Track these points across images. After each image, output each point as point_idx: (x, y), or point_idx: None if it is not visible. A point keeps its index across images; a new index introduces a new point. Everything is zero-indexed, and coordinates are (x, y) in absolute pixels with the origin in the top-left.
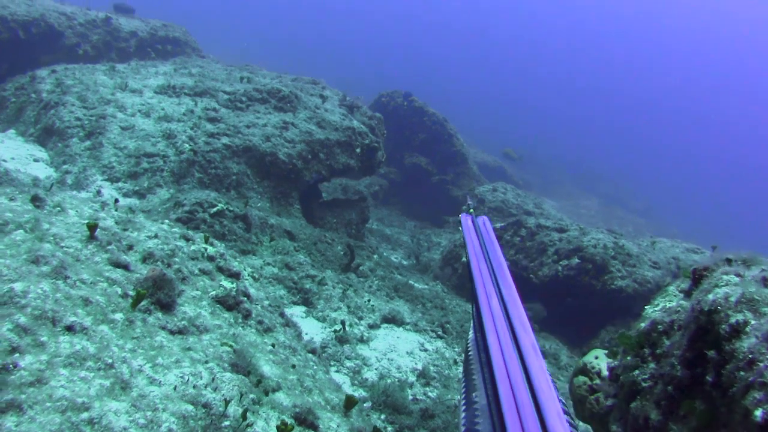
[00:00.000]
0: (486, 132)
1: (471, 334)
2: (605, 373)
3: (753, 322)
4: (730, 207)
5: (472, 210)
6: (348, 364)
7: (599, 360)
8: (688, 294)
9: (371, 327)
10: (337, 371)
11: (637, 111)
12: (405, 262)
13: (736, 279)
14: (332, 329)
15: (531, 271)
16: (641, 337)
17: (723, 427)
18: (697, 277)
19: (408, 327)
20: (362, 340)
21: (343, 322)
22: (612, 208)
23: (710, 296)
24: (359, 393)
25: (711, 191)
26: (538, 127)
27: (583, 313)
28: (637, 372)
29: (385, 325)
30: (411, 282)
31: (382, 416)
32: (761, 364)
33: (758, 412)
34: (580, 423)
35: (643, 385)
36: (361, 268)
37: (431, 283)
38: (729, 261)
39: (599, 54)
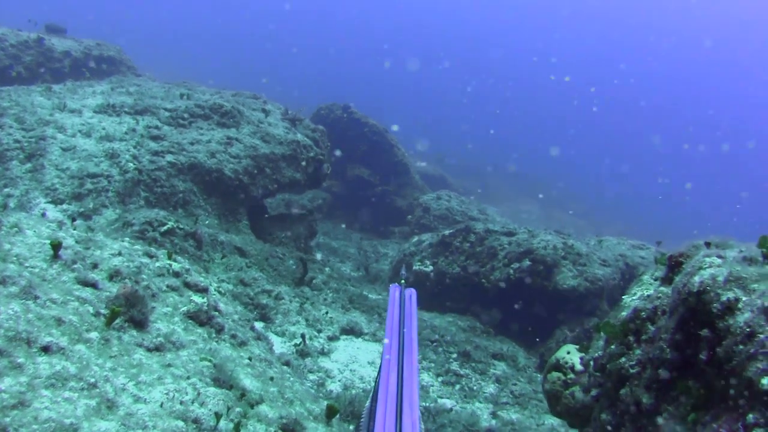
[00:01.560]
0: (428, 142)
1: (367, 403)
2: (579, 367)
3: (744, 298)
4: (662, 203)
5: (403, 281)
6: (311, 377)
7: (571, 355)
8: (665, 281)
9: (331, 339)
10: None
11: (573, 112)
12: (354, 274)
13: (719, 260)
14: (292, 343)
15: (482, 276)
16: (625, 325)
17: (721, 401)
18: (673, 264)
19: (367, 337)
20: (323, 353)
21: (303, 336)
22: (551, 210)
23: (696, 278)
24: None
25: (644, 188)
26: (471, 133)
27: (537, 314)
28: (623, 359)
29: (344, 336)
30: (365, 293)
31: (351, 427)
32: (762, 336)
33: (765, 380)
34: (554, 418)
35: (631, 371)
36: (314, 281)
37: (384, 294)
38: (708, 244)
39: (523, 55)
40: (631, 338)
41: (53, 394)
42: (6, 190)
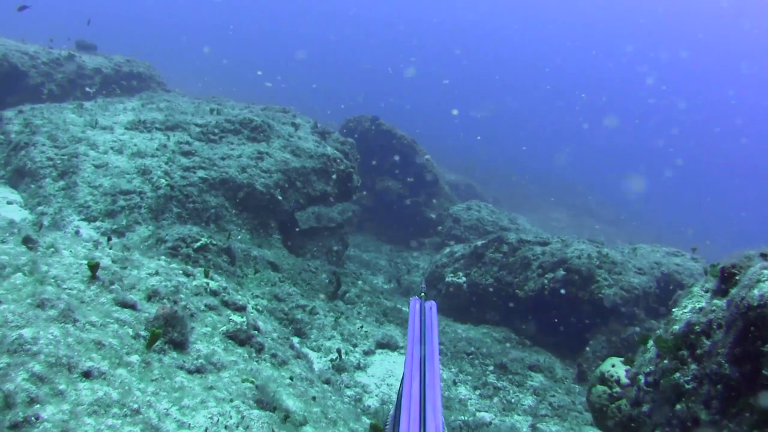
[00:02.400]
0: (451, 152)
1: (391, 411)
2: (625, 380)
3: None
4: (693, 210)
5: (423, 294)
6: (348, 392)
7: (617, 368)
8: (718, 293)
9: (366, 353)
10: (354, 407)
11: (599, 119)
12: (386, 287)
13: None
14: (328, 358)
15: (516, 287)
16: (678, 340)
17: None
18: (726, 275)
19: (402, 351)
20: (359, 368)
21: (339, 351)
22: (581, 218)
23: (756, 291)
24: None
25: (675, 195)
26: (500, 143)
27: (573, 324)
28: (678, 375)
29: (380, 350)
30: (398, 306)
31: None
32: None
33: None
34: (590, 429)
35: (687, 387)
36: (347, 295)
37: None
38: (764, 255)
39: (555, 63)
40: (685, 353)
41: (96, 422)
42: (40, 208)
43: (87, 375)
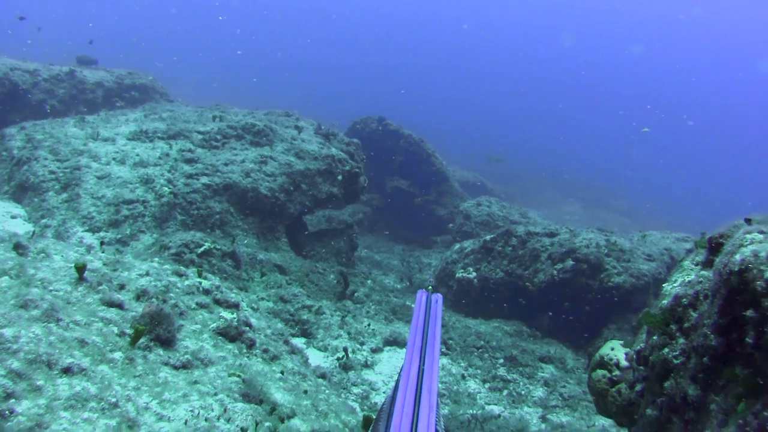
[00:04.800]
0: (461, 149)
1: (390, 392)
2: (624, 363)
3: None
4: (705, 196)
5: (430, 287)
6: (355, 390)
7: (616, 351)
8: (706, 264)
9: (374, 351)
10: (345, 399)
11: (612, 112)
12: (398, 286)
13: (761, 236)
14: (335, 357)
15: (527, 279)
16: (666, 314)
17: None
18: (714, 245)
19: None
20: (367, 365)
21: (345, 349)
22: (595, 210)
23: (737, 256)
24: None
25: (687, 182)
26: (511, 139)
27: (584, 314)
28: (666, 350)
29: (388, 347)
30: (408, 303)
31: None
32: None
33: None
34: (605, 419)
35: (675, 362)
36: (356, 294)
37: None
38: (749, 221)
39: (564, 60)
40: (674, 327)
41: (72, 416)
42: (44, 221)
43: (67, 371)
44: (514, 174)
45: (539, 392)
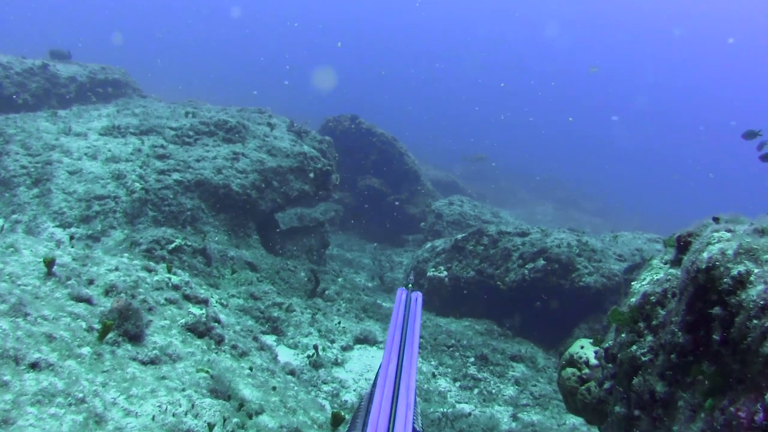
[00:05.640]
0: (435, 148)
1: (363, 402)
2: (593, 361)
3: (756, 270)
4: (675, 199)
5: (410, 285)
6: (325, 388)
7: (585, 349)
8: (675, 263)
9: (344, 349)
10: (315, 397)
11: (581, 113)
12: (370, 284)
13: (728, 234)
14: (305, 355)
15: (497, 279)
16: (634, 312)
17: (739, 383)
18: (683, 244)
19: (381, 345)
20: (337, 363)
21: (315, 347)
22: (568, 211)
23: (705, 254)
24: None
25: (657, 185)
26: (483, 139)
27: (555, 313)
28: (635, 347)
29: (358, 345)
30: (378, 301)
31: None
32: None
33: None
34: (576, 417)
35: (643, 359)
36: (327, 292)
37: None
38: (716, 219)
39: (533, 61)
40: (642, 325)
41: (39, 411)
42: (14, 216)
43: (34, 366)
44: (487, 174)
45: (510, 391)
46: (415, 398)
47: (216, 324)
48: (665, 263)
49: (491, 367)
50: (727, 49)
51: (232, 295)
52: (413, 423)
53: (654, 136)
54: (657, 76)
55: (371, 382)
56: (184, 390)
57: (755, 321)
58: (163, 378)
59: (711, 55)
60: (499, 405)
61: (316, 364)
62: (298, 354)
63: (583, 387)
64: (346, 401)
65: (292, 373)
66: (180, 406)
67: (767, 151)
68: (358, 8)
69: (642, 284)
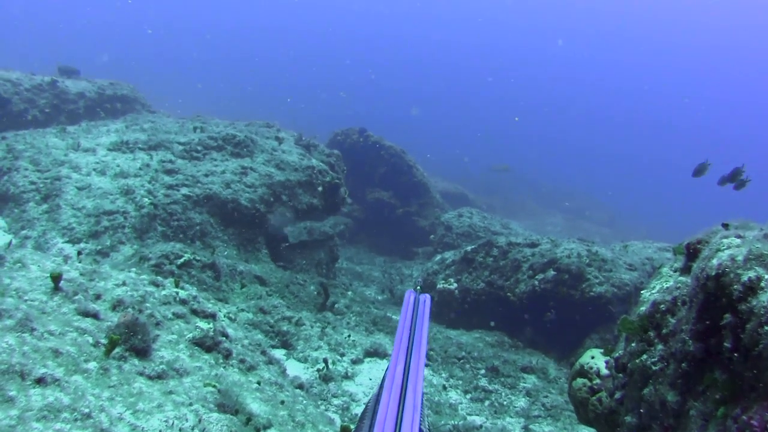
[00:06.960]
0: (444, 160)
1: (375, 390)
2: (604, 371)
3: (767, 276)
4: (685, 207)
5: (419, 288)
6: (335, 402)
7: (596, 360)
8: (684, 270)
9: (354, 362)
10: (325, 410)
11: (590, 124)
12: (379, 297)
13: (738, 240)
14: (315, 368)
15: (508, 290)
16: (644, 320)
17: (751, 391)
18: (692, 252)
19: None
20: (347, 377)
21: (325, 360)
22: (577, 222)
23: (714, 261)
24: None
25: (668, 194)
26: (493, 151)
27: (566, 324)
28: (645, 356)
29: (369, 358)
30: (388, 314)
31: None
32: None
33: None
34: (588, 428)
35: (654, 368)
36: (336, 305)
37: None
38: (726, 226)
39: (547, 71)
40: (652, 333)
41: (44, 426)
42: (23, 232)
43: (40, 381)
44: (496, 185)
45: (521, 402)
46: (423, 400)
47: (224, 338)
48: (675, 271)
49: (502, 379)
50: (734, 57)
51: (242, 310)
52: (420, 424)
53: (665, 147)
54: (667, 85)
55: (378, 384)
56: (191, 404)
57: (767, 327)
58: (170, 392)
59: (722, 65)
60: (511, 417)
61: (325, 378)
62: (308, 368)
63: (594, 397)
64: (356, 414)
65: (300, 387)
66: (187, 420)
67: (722, 176)
68: (369, 21)
69: (651, 293)
